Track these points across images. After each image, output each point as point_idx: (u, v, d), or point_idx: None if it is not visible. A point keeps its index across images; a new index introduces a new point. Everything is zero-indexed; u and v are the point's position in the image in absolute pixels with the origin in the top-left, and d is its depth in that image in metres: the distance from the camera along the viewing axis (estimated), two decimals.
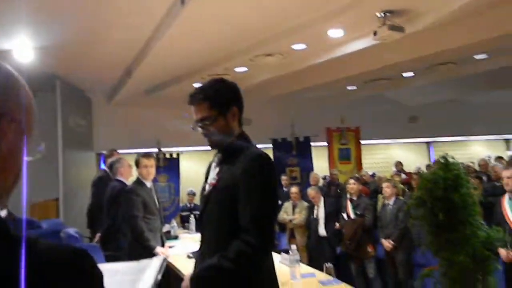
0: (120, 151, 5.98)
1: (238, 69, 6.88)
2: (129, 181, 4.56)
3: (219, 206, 1.80)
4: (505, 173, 4.41)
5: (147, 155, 4.25)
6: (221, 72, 6.61)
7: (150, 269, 1.13)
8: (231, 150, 1.83)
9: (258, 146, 1.90)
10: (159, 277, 1.12)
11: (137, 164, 4.08)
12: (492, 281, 2.35)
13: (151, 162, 4.09)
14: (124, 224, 4.10)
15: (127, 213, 3.93)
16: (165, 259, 1.25)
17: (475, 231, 2.34)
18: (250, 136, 1.90)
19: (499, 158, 8.98)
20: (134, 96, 8.23)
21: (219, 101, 1.84)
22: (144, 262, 1.18)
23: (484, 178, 7.11)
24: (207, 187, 1.90)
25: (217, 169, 1.87)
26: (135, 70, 6.73)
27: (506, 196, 4.31)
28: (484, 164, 8.25)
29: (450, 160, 2.60)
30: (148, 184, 4.08)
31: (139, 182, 4.06)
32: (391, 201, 5.48)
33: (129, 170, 4.79)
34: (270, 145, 9.47)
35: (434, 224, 2.44)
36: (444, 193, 2.48)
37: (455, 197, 2.44)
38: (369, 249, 5.80)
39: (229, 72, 6.74)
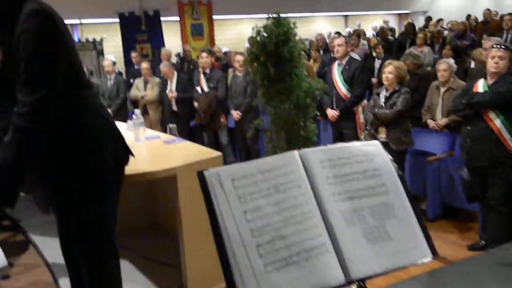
0: None
1: None
2: None
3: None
4: (335, 41, 4.86)
5: None
6: None
7: None
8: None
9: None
10: None
11: None
12: (311, 126, 2.70)
13: None
14: None
15: None
16: None
17: (300, 82, 2.60)
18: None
19: (338, 34, 9.80)
20: None
21: None
22: None
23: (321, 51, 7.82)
24: None
25: None
26: None
27: (336, 63, 4.82)
28: (320, 38, 8.97)
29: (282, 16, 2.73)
30: None
31: None
32: (241, 74, 5.68)
33: None
34: (117, 20, 8.73)
35: (266, 78, 2.63)
36: (276, 48, 2.64)
37: (284, 51, 2.62)
38: (222, 119, 6.12)
39: None
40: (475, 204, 3.69)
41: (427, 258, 1.09)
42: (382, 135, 3.97)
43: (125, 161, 2.02)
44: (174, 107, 6.13)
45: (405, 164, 4.24)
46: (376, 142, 1.22)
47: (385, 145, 1.24)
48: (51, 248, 2.45)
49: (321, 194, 1.09)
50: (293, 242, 1.01)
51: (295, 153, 1.13)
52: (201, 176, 1.05)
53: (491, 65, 3.27)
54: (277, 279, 0.96)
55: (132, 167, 2.31)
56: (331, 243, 1.03)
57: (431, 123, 4.42)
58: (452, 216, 4.18)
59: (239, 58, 5.52)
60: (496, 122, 3.30)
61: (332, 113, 4.73)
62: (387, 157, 1.19)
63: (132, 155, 2.05)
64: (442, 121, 4.36)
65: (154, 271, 2.88)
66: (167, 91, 6.14)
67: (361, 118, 4.68)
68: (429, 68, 6.15)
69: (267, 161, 1.11)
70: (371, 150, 1.19)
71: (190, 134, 6.09)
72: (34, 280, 3.13)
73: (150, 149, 2.97)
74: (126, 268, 2.92)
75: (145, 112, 6.25)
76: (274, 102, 2.55)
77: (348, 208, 1.09)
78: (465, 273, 1.04)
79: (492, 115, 3.30)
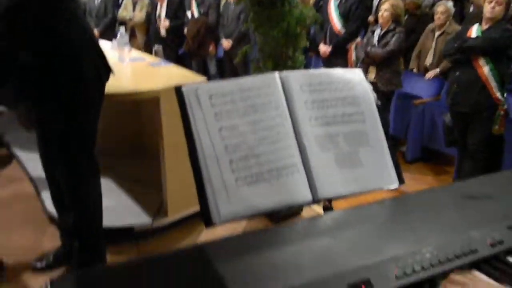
0: None
1: None
2: None
3: None
4: None
5: None
6: None
7: None
8: None
9: None
10: None
11: None
12: (300, 57, 2.66)
13: None
14: None
15: None
16: None
17: (292, 10, 2.52)
18: None
19: None
20: None
21: None
22: None
23: None
24: None
25: None
26: None
27: None
28: None
29: None
30: None
31: None
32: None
33: None
34: None
35: (257, 3, 2.53)
36: None
37: None
38: (211, 47, 5.98)
39: None
40: (453, 149, 3.78)
41: (394, 185, 1.13)
42: (372, 75, 3.95)
43: (105, 78, 1.99)
44: (163, 33, 5.93)
45: (390, 106, 4.27)
46: (358, 70, 1.21)
47: (373, 85, 1.24)
48: (34, 162, 2.48)
49: (298, 117, 1.10)
50: (266, 161, 1.03)
51: (276, 75, 1.12)
52: (178, 91, 1.05)
53: (487, 10, 3.20)
54: (247, 193, 1.00)
55: (115, 86, 2.28)
56: (303, 164, 1.06)
57: (429, 74, 4.34)
58: (430, 160, 4.29)
59: None
60: (485, 69, 3.29)
61: (324, 49, 4.64)
62: (367, 86, 1.19)
63: (112, 72, 2.01)
64: (431, 72, 4.31)
65: (136, 191, 2.95)
66: (157, 17, 5.90)
67: (353, 56, 4.61)
68: (427, 10, 5.99)
69: (247, 80, 1.10)
70: (352, 78, 1.19)
71: (178, 61, 5.96)
72: (17, 192, 3.19)
73: (134, 70, 2.92)
74: (108, 187, 2.99)
75: (132, 35, 6.05)
76: (263, 28, 2.49)
77: (323, 133, 1.11)
78: (428, 200, 1.09)
79: (481, 61, 3.29)
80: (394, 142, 4.58)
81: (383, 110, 4.23)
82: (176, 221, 2.59)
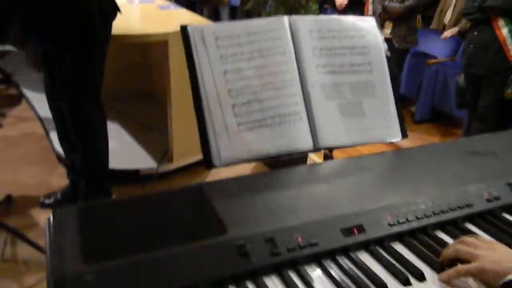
0: None
1: None
2: None
3: None
4: None
5: None
6: None
7: None
8: None
9: None
10: None
11: None
12: (313, 7, 2.58)
13: None
14: None
15: None
16: None
17: None
18: None
19: None
20: None
21: None
22: None
23: None
24: None
25: None
26: None
27: None
28: None
29: None
30: None
31: None
32: None
33: None
34: None
35: None
36: None
37: None
38: None
39: None
40: (463, 111, 3.73)
41: (396, 138, 1.12)
42: (388, 30, 3.83)
43: (112, 16, 1.96)
44: None
45: (404, 65, 4.18)
46: (371, 18, 1.17)
47: (388, 42, 1.20)
48: (43, 102, 2.49)
49: (304, 64, 1.08)
50: (269, 106, 1.03)
51: (285, 18, 1.09)
52: (184, 31, 1.03)
53: None
54: (248, 138, 1.00)
55: (123, 28, 2.25)
56: (306, 112, 1.05)
57: (446, 34, 4.21)
58: (438, 121, 4.25)
59: None
60: (504, 30, 3.18)
61: (340, 1, 4.51)
62: (379, 35, 1.16)
63: (120, 11, 1.98)
64: (448, 32, 4.17)
65: (143, 135, 2.98)
66: None
67: (370, 9, 4.46)
68: None
69: (254, 23, 1.08)
70: (364, 26, 1.16)
71: (188, 8, 5.81)
72: (26, 131, 3.24)
73: (143, 12, 2.86)
74: (116, 131, 3.02)
75: None
76: None
77: (329, 81, 1.09)
78: (430, 154, 1.09)
79: (501, 22, 3.17)
80: (405, 102, 4.53)
81: (396, 68, 4.16)
82: (181, 167, 2.63)
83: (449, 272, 0.73)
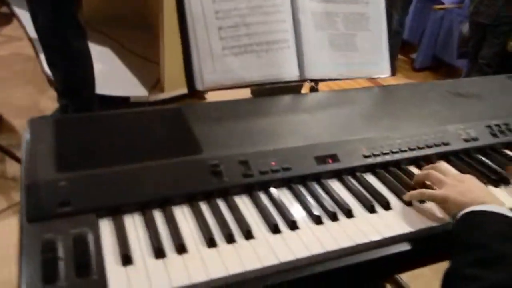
0: None
1: None
2: None
3: None
4: None
5: None
6: None
7: None
8: None
9: None
10: None
11: None
12: None
13: None
14: None
15: None
16: None
17: None
18: None
19: None
20: None
21: None
22: None
23: None
24: None
25: None
26: None
27: None
28: None
29: None
30: None
31: None
32: None
33: None
34: None
35: None
36: None
37: None
38: None
39: None
40: (463, 62, 3.67)
41: (385, 75, 1.11)
42: None
43: None
44: None
45: (409, 8, 4.05)
46: None
47: None
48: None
49: None
50: (257, 32, 1.00)
51: None
52: None
53: None
54: (233, 63, 0.98)
55: None
56: (295, 41, 1.03)
57: None
58: (438, 70, 4.19)
59: None
60: None
61: None
62: None
63: None
64: None
65: (135, 63, 2.93)
66: None
67: None
68: None
69: None
70: None
71: None
72: (17, 51, 3.17)
73: None
74: (109, 57, 2.96)
75: None
76: None
77: (322, 10, 1.06)
78: (415, 92, 1.08)
79: None
80: (407, 48, 4.44)
81: (401, 11, 4.04)
82: (171, 98, 2.61)
83: (413, 192, 0.75)
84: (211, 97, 1.11)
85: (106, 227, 0.67)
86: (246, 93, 1.13)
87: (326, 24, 1.06)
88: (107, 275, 0.59)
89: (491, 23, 3.23)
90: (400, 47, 4.22)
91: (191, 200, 0.73)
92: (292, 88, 1.05)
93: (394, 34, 4.06)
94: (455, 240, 0.66)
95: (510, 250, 0.59)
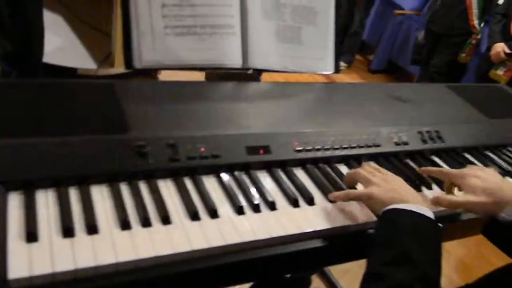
0: None
1: None
2: None
3: None
4: None
5: None
6: None
7: None
8: None
9: None
10: None
11: None
12: None
13: None
14: None
15: None
16: None
17: None
18: None
19: None
20: None
21: None
22: None
23: None
24: None
25: None
26: None
27: None
28: None
29: None
30: None
31: None
32: None
33: None
34: None
35: None
36: None
37: None
38: None
39: None
40: (416, 68, 3.80)
41: (328, 71, 1.12)
42: None
43: None
44: None
45: (371, 10, 4.13)
46: None
47: None
48: None
49: None
50: (202, 14, 0.98)
51: None
52: None
53: None
54: (175, 44, 0.96)
55: None
56: (240, 28, 1.02)
57: None
58: (393, 73, 4.32)
59: None
60: None
61: None
62: None
63: None
64: None
65: (88, 35, 2.80)
66: None
67: None
68: None
69: None
70: None
71: None
72: None
73: None
74: (61, 26, 2.82)
75: None
76: None
77: (271, 0, 1.05)
78: (355, 92, 1.10)
79: None
80: (365, 49, 4.53)
81: (363, 13, 4.10)
82: (120, 74, 2.52)
83: (339, 193, 0.76)
84: (164, 78, 1.07)
85: (15, 201, 0.64)
86: (201, 77, 1.11)
87: (274, 14, 1.05)
88: (8, 250, 0.56)
89: (445, 33, 3.35)
90: (359, 47, 4.31)
91: (111, 180, 0.71)
92: (249, 76, 1.03)
93: (354, 33, 4.14)
94: (375, 237, 0.67)
95: (418, 250, 0.61)
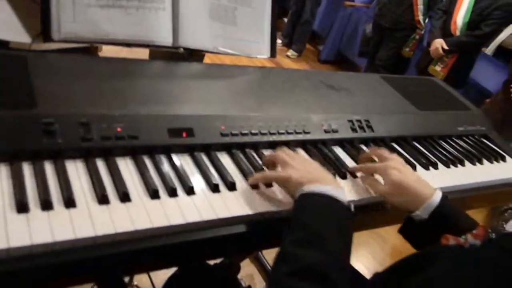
0: None
1: None
2: None
3: None
4: None
5: None
6: None
7: None
8: None
9: None
10: None
11: None
12: None
13: None
14: None
15: None
16: None
17: None
18: None
19: None
20: None
21: None
22: None
23: None
24: None
25: None
26: None
27: None
28: None
29: None
30: None
31: None
32: None
33: None
34: None
35: None
36: None
37: None
38: None
39: None
40: (364, 60, 3.88)
41: (263, 55, 1.10)
42: None
43: None
44: None
45: (322, 0, 4.16)
46: None
47: None
48: None
49: None
50: None
51: None
52: None
53: None
54: (97, 16, 0.89)
55: None
56: (171, 4, 0.97)
57: None
58: (340, 64, 4.39)
59: None
60: None
61: None
62: None
63: None
64: None
65: (23, 6, 2.62)
66: None
67: None
68: None
69: None
70: None
71: None
72: None
73: None
74: None
75: None
76: None
77: None
78: (290, 77, 1.09)
79: None
80: (316, 39, 4.57)
81: (315, 1, 4.10)
82: (56, 50, 2.38)
83: (257, 175, 0.75)
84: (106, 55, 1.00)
85: None
86: (145, 57, 1.04)
87: None
88: None
89: (391, 26, 3.44)
90: (309, 37, 4.34)
91: (12, 159, 0.65)
92: (196, 57, 0.99)
93: (304, 23, 4.16)
94: (290, 218, 0.66)
95: (326, 231, 0.61)
